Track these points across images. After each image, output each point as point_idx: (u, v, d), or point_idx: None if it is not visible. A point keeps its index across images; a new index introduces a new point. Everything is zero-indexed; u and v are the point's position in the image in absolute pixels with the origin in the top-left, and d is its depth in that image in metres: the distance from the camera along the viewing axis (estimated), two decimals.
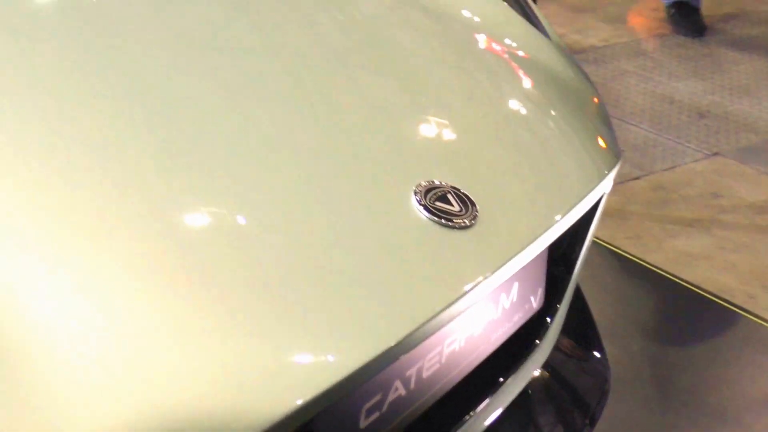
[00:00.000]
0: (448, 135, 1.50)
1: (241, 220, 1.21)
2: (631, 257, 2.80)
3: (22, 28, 1.40)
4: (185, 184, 1.23)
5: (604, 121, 1.75)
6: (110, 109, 1.30)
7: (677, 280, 2.71)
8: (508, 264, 1.30)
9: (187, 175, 1.24)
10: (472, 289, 1.24)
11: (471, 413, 1.46)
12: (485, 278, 1.26)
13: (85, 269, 1.11)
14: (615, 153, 1.66)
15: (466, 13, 1.85)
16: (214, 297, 1.12)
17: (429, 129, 1.50)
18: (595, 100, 1.80)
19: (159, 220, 1.18)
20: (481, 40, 1.79)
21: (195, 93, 1.36)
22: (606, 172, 1.57)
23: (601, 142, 1.66)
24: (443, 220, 1.28)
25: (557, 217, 1.41)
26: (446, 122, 1.52)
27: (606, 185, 1.58)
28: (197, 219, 1.21)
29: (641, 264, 2.77)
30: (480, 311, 1.40)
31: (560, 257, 1.64)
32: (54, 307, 1.08)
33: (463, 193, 1.33)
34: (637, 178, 3.27)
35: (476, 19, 1.85)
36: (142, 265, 1.13)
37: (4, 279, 1.09)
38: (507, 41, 1.82)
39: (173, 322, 1.09)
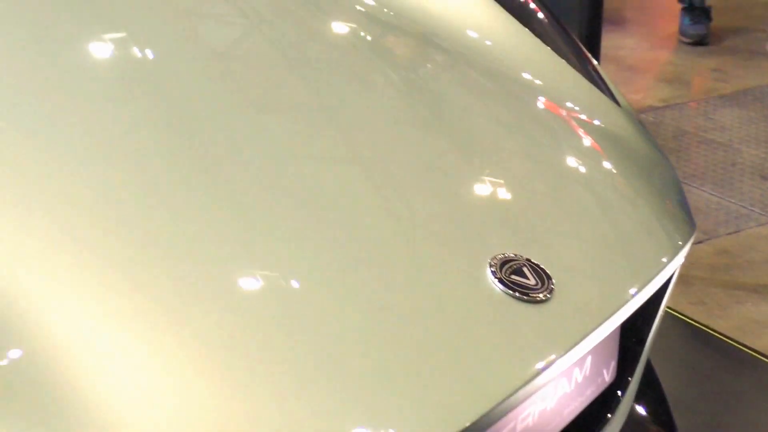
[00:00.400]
0: (519, 204, 1.48)
1: (303, 288, 1.20)
2: (695, 324, 2.75)
3: (84, 93, 1.41)
4: (251, 248, 1.22)
5: (677, 190, 1.73)
6: (164, 167, 1.29)
7: (744, 349, 2.65)
8: (584, 341, 1.27)
9: (251, 240, 1.23)
10: (548, 367, 1.21)
11: None
12: (561, 356, 1.23)
13: (154, 344, 1.11)
14: (689, 223, 1.63)
15: (531, 77, 1.84)
16: (275, 372, 1.11)
17: (499, 197, 1.48)
18: (667, 168, 1.78)
19: (227, 287, 1.17)
20: (548, 105, 1.78)
21: (248, 152, 1.35)
22: (681, 243, 1.54)
23: (674, 212, 1.63)
24: (519, 294, 1.26)
25: (633, 292, 1.38)
26: (516, 190, 1.51)
27: (681, 257, 1.55)
28: (261, 284, 1.19)
29: (706, 331, 2.72)
30: (553, 385, 1.37)
31: (632, 329, 1.61)
32: (123, 383, 1.07)
33: (538, 266, 1.31)
34: (700, 242, 3.21)
35: (539, 82, 1.83)
36: (207, 333, 1.12)
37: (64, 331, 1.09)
38: (575, 106, 1.80)
39: (234, 398, 1.08)
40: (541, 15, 2.01)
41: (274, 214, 1.27)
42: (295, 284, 1.20)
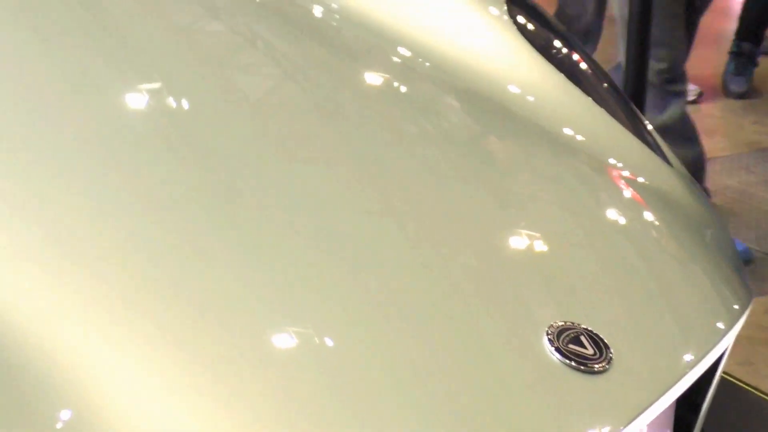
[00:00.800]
0: (570, 266, 1.44)
1: (340, 348, 1.17)
2: (743, 385, 2.68)
3: (119, 143, 1.39)
4: (287, 304, 1.20)
5: (733, 253, 1.68)
6: (194, 219, 1.28)
7: None
8: (643, 414, 1.23)
9: (287, 295, 1.21)
10: None
11: None
12: (620, 430, 1.19)
13: (187, 400, 1.09)
14: (746, 288, 1.58)
15: (577, 133, 1.79)
16: None
17: (549, 259, 1.44)
18: (722, 230, 1.73)
19: (261, 343, 1.16)
20: (595, 162, 1.73)
21: (283, 204, 1.33)
22: (739, 309, 1.50)
23: (730, 277, 1.59)
24: (576, 364, 1.22)
25: (692, 362, 1.34)
26: (565, 252, 1.47)
27: (739, 324, 1.50)
28: (297, 342, 1.17)
29: (755, 393, 2.65)
30: None
31: (686, 397, 1.56)
32: None
33: (596, 335, 1.27)
34: None
35: (585, 138, 1.79)
36: (241, 389, 1.10)
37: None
38: (625, 165, 1.75)
39: None
40: (588, 69, 1.98)
41: (311, 268, 1.25)
42: (331, 343, 1.17)
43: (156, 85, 1.54)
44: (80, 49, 1.57)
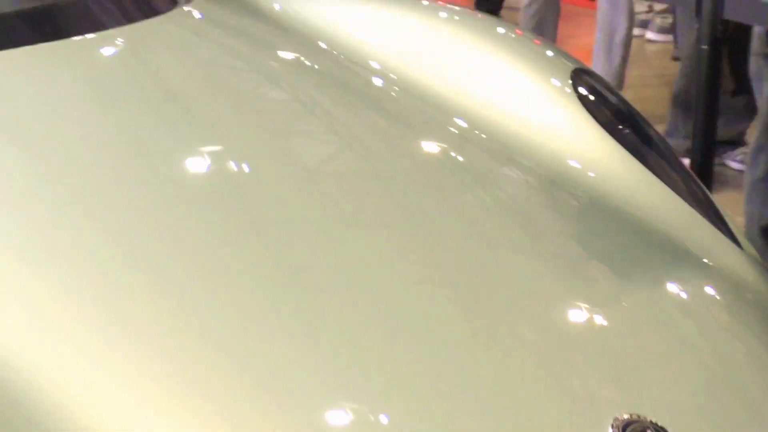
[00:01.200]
0: (637, 351, 1.39)
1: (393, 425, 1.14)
2: None
3: (175, 206, 1.39)
4: (338, 377, 1.18)
5: None
6: (248, 286, 1.26)
7: None
8: None
9: (338, 367, 1.18)
10: None
11: None
12: None
13: None
14: None
15: (639, 210, 1.74)
16: None
17: (610, 341, 1.39)
18: None
19: (314, 418, 1.13)
20: (656, 241, 1.68)
21: (336, 274, 1.32)
22: None
23: None
24: None
25: None
26: (632, 335, 1.42)
27: None
28: (351, 418, 1.15)
29: None
30: None
31: None
32: None
33: (663, 429, 1.21)
34: None
35: (648, 216, 1.74)
36: None
37: None
38: (689, 245, 1.70)
39: None
40: (653, 145, 1.94)
41: (365, 341, 1.23)
42: (385, 420, 1.14)
43: (215, 150, 1.54)
44: (141, 114, 1.58)
